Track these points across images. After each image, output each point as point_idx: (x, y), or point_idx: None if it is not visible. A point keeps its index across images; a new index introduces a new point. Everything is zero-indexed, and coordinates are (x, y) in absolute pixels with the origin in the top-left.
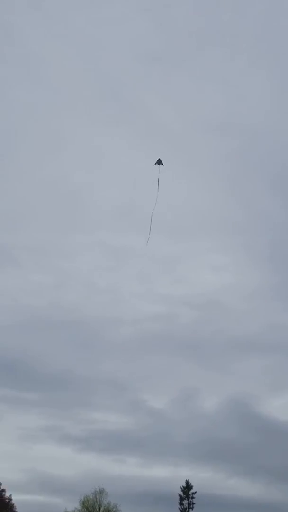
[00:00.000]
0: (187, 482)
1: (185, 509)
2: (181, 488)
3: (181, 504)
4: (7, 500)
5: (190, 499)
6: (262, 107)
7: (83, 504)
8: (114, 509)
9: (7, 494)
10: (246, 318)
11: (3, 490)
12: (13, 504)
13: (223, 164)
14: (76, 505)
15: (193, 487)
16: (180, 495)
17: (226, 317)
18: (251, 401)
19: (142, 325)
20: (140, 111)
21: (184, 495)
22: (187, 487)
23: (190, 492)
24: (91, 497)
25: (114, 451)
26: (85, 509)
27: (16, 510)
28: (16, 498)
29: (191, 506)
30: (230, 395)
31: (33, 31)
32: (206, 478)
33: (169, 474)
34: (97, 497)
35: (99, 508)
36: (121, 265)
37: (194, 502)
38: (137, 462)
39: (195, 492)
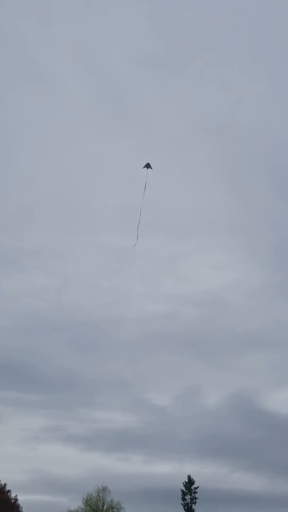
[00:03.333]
0: (189, 477)
1: (188, 504)
2: (183, 483)
3: (183, 499)
4: (13, 501)
5: (192, 494)
6: (262, 107)
7: (86, 502)
8: (117, 506)
9: (12, 495)
10: (248, 315)
11: (9, 491)
12: (19, 505)
13: (226, 164)
14: (80, 504)
15: (196, 482)
16: (182, 491)
17: (229, 315)
18: (254, 397)
19: (146, 324)
20: (142, 114)
21: (187, 490)
22: (189, 482)
23: (192, 487)
24: (94, 495)
25: (118, 449)
26: (89, 507)
27: (22, 510)
28: (22, 499)
29: (194, 501)
30: (233, 391)
31: (36, 36)
32: (210, 473)
33: (173, 471)
34: (100, 495)
35: (102, 506)
36: (124, 266)
37: (196, 497)
38: (142, 460)
39: (198, 487)
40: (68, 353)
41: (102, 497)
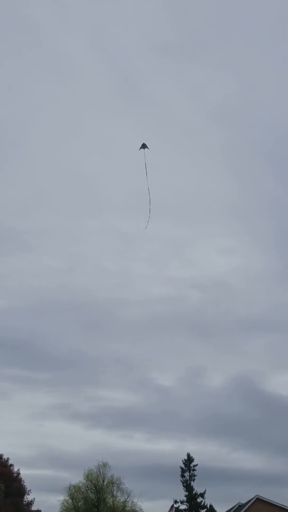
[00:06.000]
0: (188, 455)
1: (187, 480)
2: (182, 461)
3: (182, 476)
4: (15, 474)
5: (191, 471)
6: (274, 95)
7: (87, 477)
8: (117, 482)
9: (15, 469)
10: (252, 299)
11: (11, 465)
12: (21, 478)
13: (232, 150)
14: (81, 479)
15: (196, 460)
16: (181, 468)
17: (233, 299)
18: (256, 379)
19: (151, 306)
20: (153, 100)
21: (186, 468)
22: (189, 460)
23: (191, 465)
24: (95, 471)
25: (121, 427)
26: (89, 482)
27: (24, 484)
28: (26, 473)
29: (193, 478)
30: (235, 372)
31: (49, 23)
32: (211, 452)
33: (174, 449)
34: (101, 470)
35: (103, 481)
36: (130, 249)
37: (195, 474)
38: (144, 438)
39: (196, 465)
40: (74, 333)
41: (102, 472)
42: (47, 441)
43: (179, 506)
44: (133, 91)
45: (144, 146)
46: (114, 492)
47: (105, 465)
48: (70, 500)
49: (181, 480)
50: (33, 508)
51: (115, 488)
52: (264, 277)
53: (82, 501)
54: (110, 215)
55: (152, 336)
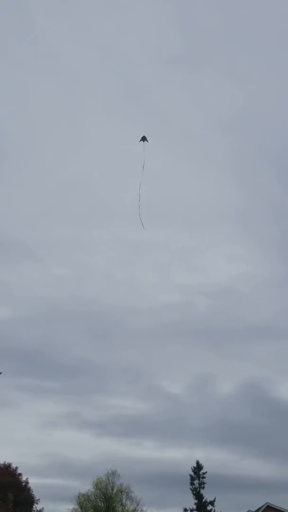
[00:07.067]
0: (197, 462)
1: (196, 488)
2: (192, 468)
3: (192, 484)
4: (23, 484)
5: (201, 479)
6: (279, 104)
7: (96, 485)
8: (126, 490)
9: (23, 478)
10: (260, 305)
11: (20, 474)
12: (30, 488)
13: (237, 158)
14: (91, 487)
15: (205, 468)
16: (191, 475)
17: (240, 305)
18: (264, 385)
19: (159, 314)
20: (160, 110)
21: (195, 475)
22: (198, 467)
23: (200, 472)
24: (104, 479)
25: (130, 435)
26: (98, 490)
27: (33, 493)
28: (35, 482)
29: (202, 486)
30: (244, 379)
31: (56, 32)
32: (220, 460)
33: (183, 456)
34: (110, 479)
35: (112, 489)
36: (138, 257)
37: (205, 482)
38: (153, 446)
39: (206, 472)
40: (83, 342)
41: (111, 481)
42: (56, 450)
43: None
44: (140, 101)
45: (144, 138)
46: (123, 501)
47: (114, 473)
48: (79, 509)
49: (190, 488)
50: None
51: (124, 496)
52: (271, 283)
53: (91, 510)
54: (117, 224)
55: (160, 343)
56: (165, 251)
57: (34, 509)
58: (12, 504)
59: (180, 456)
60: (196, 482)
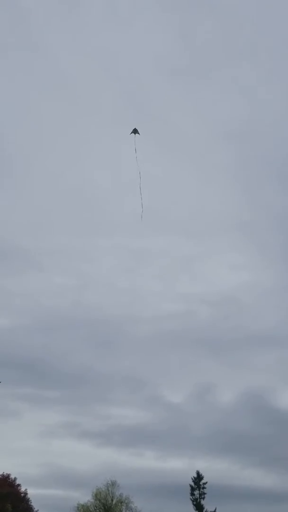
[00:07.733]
0: (197, 472)
1: (197, 499)
2: (192, 478)
3: (192, 494)
4: (22, 494)
5: (201, 490)
6: (282, 114)
7: (96, 496)
8: (126, 500)
9: (22, 489)
10: (262, 314)
11: (19, 485)
12: (29, 498)
13: (241, 168)
14: (90, 498)
15: (206, 478)
16: (191, 486)
17: (242, 314)
18: (266, 395)
19: (161, 323)
20: (163, 120)
21: (195, 486)
22: (198, 477)
23: (201, 483)
24: (103, 490)
25: (131, 445)
26: (98, 501)
27: (31, 504)
28: (34, 492)
29: (202, 496)
30: (245, 388)
31: (61, 44)
32: (221, 470)
33: (184, 466)
34: (109, 489)
35: (112, 500)
36: (140, 266)
37: (205, 492)
38: (154, 455)
39: (206, 483)
40: (84, 351)
41: (111, 491)
42: (55, 460)
43: None
44: (144, 111)
45: (135, 131)
46: None
47: (113, 483)
48: None
49: (190, 499)
50: None
51: (124, 507)
52: (273, 292)
53: None
54: (120, 232)
55: (162, 352)
56: (167, 259)
57: None
58: None
59: (180, 466)
60: (196, 492)
